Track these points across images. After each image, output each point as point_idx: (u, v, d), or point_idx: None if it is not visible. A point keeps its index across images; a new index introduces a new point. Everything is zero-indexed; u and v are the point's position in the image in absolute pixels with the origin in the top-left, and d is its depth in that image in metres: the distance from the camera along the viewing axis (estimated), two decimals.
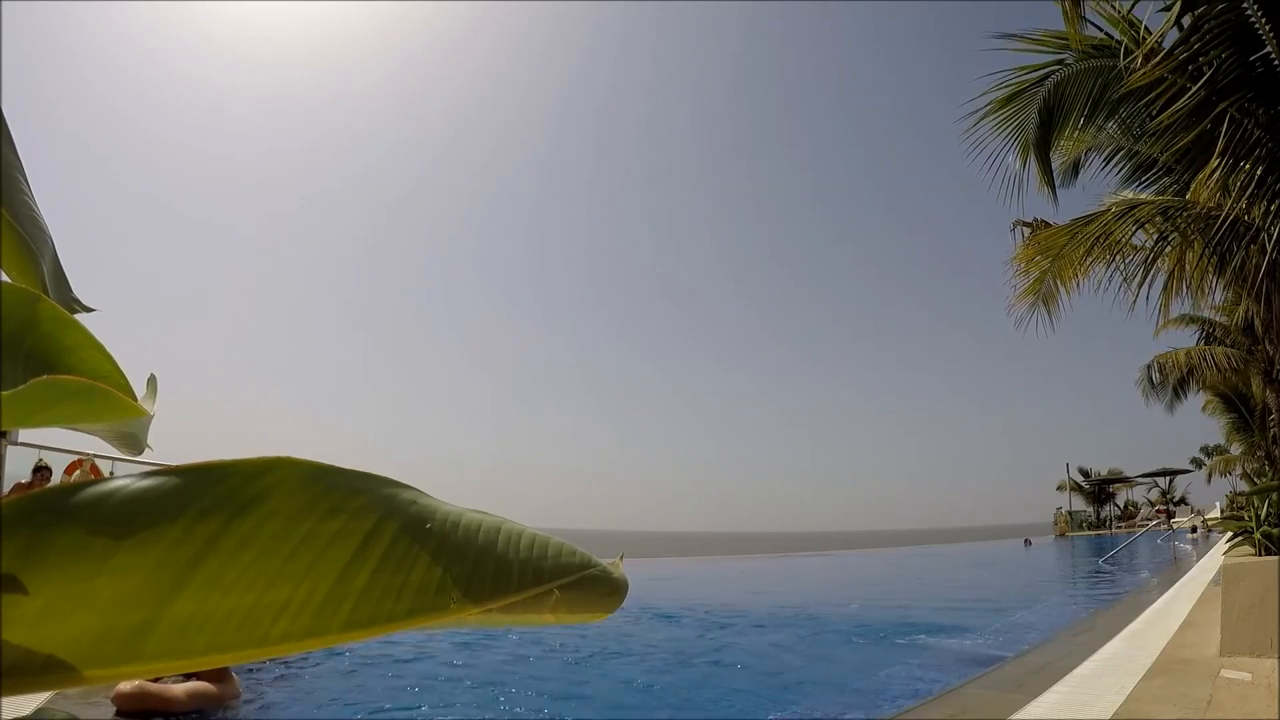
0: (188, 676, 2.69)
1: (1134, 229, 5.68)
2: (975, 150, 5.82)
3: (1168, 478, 36.82)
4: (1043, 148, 5.67)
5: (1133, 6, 4.64)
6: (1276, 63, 4.27)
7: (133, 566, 0.32)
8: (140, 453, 0.54)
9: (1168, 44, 4.35)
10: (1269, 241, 4.71)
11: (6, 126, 0.51)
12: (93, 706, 2.63)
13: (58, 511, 0.31)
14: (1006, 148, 5.77)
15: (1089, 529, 35.19)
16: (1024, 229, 7.35)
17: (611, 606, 0.47)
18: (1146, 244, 5.93)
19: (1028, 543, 26.83)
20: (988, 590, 12.71)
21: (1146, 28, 4.41)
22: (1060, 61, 5.38)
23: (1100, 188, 6.90)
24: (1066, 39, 5.18)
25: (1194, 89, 4.35)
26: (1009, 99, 5.60)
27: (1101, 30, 5.23)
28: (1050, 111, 5.48)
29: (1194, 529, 21.38)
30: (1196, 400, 17.79)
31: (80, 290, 0.56)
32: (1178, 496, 39.83)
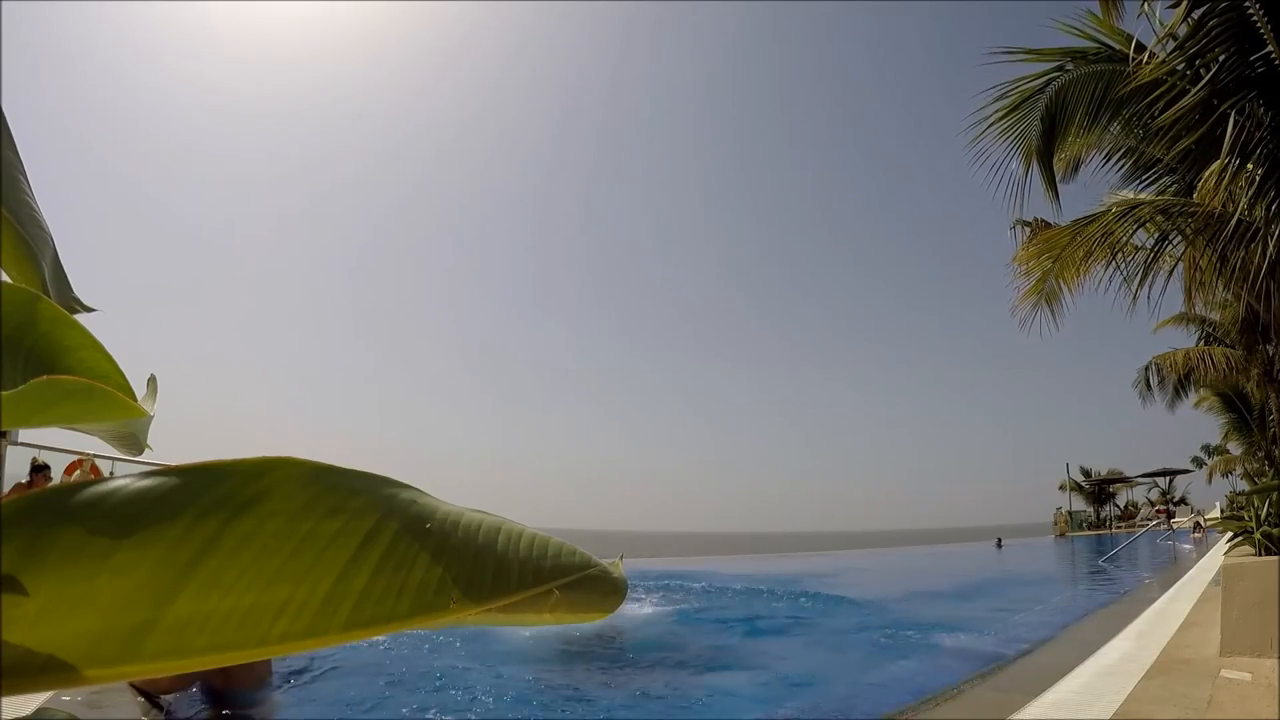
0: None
1: (1135, 229, 5.67)
2: (979, 159, 5.81)
3: (1168, 478, 36.81)
4: (1046, 154, 5.65)
5: (1141, 11, 4.63)
6: (1278, 62, 4.26)
7: (133, 566, 0.32)
8: (140, 453, 0.54)
9: (1169, 47, 4.35)
10: (1270, 241, 4.71)
11: (7, 126, 0.51)
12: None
13: (58, 511, 0.31)
14: (1010, 155, 5.76)
15: (1089, 529, 35.15)
16: (1024, 229, 7.35)
17: (611, 606, 0.47)
18: (1147, 244, 5.91)
19: (999, 543, 26.18)
20: (978, 590, 12.67)
21: (1140, 43, 4.43)
22: (1061, 68, 5.38)
23: (1101, 185, 6.89)
24: (1067, 50, 5.21)
25: (1195, 90, 4.35)
26: (1013, 107, 5.60)
27: (1099, 41, 5.25)
28: (1053, 118, 5.47)
29: (1195, 528, 21.31)
30: (1196, 400, 17.76)
31: (81, 290, 0.56)
32: (1178, 496, 39.81)
